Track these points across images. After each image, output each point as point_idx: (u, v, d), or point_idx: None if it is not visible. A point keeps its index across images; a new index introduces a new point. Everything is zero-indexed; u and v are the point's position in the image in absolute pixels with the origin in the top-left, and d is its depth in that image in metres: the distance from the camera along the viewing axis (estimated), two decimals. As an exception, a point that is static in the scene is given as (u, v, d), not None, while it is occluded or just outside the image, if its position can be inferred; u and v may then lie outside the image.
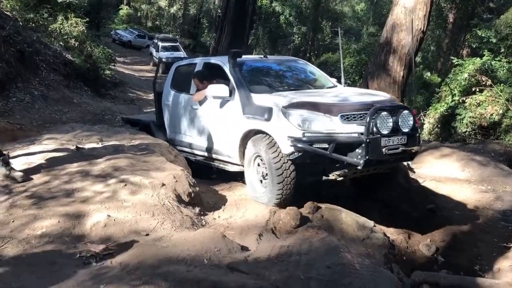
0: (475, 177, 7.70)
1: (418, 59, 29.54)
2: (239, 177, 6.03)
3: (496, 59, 14.88)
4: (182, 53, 28.32)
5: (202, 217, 4.42)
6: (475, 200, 6.68)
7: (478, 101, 12.29)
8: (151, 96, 19.53)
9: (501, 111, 11.86)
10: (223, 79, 5.96)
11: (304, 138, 4.65)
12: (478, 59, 14.05)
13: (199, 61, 6.90)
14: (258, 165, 5.23)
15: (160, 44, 28.95)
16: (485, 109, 12.03)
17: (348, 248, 4.00)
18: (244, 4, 11.46)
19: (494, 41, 17.76)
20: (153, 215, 3.80)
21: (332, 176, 5.05)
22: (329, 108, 4.83)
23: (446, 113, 13.18)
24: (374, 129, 4.69)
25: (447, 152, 8.87)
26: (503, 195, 6.81)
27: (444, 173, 7.97)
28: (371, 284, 3.42)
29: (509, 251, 5.09)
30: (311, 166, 4.96)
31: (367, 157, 4.63)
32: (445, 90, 13.91)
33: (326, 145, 4.64)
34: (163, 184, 4.30)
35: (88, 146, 5.35)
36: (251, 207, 4.90)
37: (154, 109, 15.57)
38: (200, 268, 3.02)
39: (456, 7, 25.67)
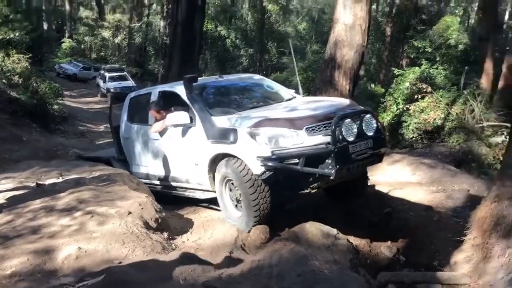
0: (426, 179, 8.13)
1: (361, 72, 30.73)
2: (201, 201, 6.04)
3: (433, 67, 15.85)
4: (130, 82, 28.06)
5: (171, 241, 4.48)
6: (427, 201, 7.06)
7: (421, 108, 13.01)
8: (101, 128, 19.34)
9: (442, 115, 12.60)
10: (181, 105, 5.85)
11: (274, 156, 4.59)
12: (417, 68, 14.92)
13: (153, 91, 6.70)
14: (230, 189, 5.15)
15: (107, 74, 28.56)
16: (428, 114, 12.75)
17: (315, 256, 4.16)
18: (192, 30, 11.62)
19: (430, 50, 18.85)
20: (123, 243, 3.83)
21: (307, 190, 5.10)
22: (293, 123, 4.79)
23: (392, 121, 13.84)
24: (340, 137, 4.70)
25: (398, 158, 9.30)
26: (452, 194, 7.24)
27: (396, 178, 8.36)
28: (339, 284, 3.60)
29: (462, 244, 5.41)
30: (285, 182, 4.91)
31: (337, 166, 4.61)
32: (389, 100, 14.60)
33: (296, 160, 4.59)
34: (130, 212, 4.34)
35: (48, 181, 5.30)
36: (218, 227, 5.00)
37: (105, 141, 15.31)
38: (176, 289, 3.09)
39: (392, 21, 26.96)
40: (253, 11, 30.20)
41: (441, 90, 13.50)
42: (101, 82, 29.42)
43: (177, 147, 5.86)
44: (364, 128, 4.99)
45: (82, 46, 44.10)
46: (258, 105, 5.97)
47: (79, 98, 28.79)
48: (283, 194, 5.10)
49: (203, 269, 3.50)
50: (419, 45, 18.82)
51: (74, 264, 3.47)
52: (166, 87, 6.74)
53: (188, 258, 3.66)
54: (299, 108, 5.40)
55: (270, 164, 4.59)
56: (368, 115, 5.14)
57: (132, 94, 7.40)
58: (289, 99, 6.33)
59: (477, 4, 25.02)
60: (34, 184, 5.15)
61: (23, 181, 5.30)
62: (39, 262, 3.49)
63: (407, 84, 13.90)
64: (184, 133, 5.67)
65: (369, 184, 7.61)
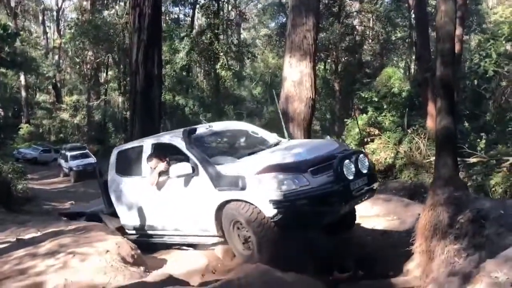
0: (383, 212, 8.83)
1: (317, 127, 32.16)
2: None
3: (381, 115, 17.11)
4: (92, 159, 28.25)
5: (148, 274, 4.86)
6: (384, 227, 7.75)
7: (372, 149, 14.03)
8: (67, 205, 19.36)
9: (392, 155, 13.62)
10: (179, 156, 6.03)
11: (286, 199, 4.90)
12: (365, 115, 16.13)
13: (145, 143, 6.74)
14: (238, 229, 5.34)
15: (69, 154, 28.62)
16: (379, 155, 13.76)
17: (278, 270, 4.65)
18: (150, 99, 12.24)
19: (377, 99, 20.22)
20: (104, 273, 4.24)
21: (316, 227, 5.54)
22: (298, 167, 5.15)
23: (348, 165, 14.72)
24: (343, 176, 5.19)
25: (356, 196, 9.96)
26: (406, 219, 7.95)
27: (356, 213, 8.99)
28: (300, 288, 4.12)
29: (413, 255, 6.00)
30: (295, 223, 5.11)
31: (343, 203, 5.18)
32: (343, 146, 15.58)
33: (306, 201, 4.94)
34: (108, 251, 4.75)
35: (27, 236, 5.63)
36: (190, 260, 5.43)
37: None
38: (157, 299, 3.53)
39: (339, 77, 28.86)
40: (208, 79, 31.59)
41: (388, 132, 14.63)
42: (63, 162, 29.41)
43: (178, 196, 5.97)
44: (359, 167, 5.52)
45: (41, 130, 44.11)
46: (253, 151, 6.23)
47: (42, 180, 28.61)
48: (300, 231, 5.38)
49: (180, 284, 3.94)
50: (366, 96, 20.15)
51: (63, 292, 3.85)
52: (160, 140, 6.78)
53: (166, 278, 4.08)
54: (299, 152, 5.73)
55: (282, 206, 4.92)
56: (361, 155, 5.75)
57: (120, 148, 7.46)
58: (277, 143, 6.68)
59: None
60: (15, 239, 5.47)
61: (3, 238, 5.62)
62: (30, 294, 3.86)
63: (357, 129, 14.97)
64: (186, 182, 5.81)
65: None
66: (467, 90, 17.94)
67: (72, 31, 32.02)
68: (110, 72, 38.22)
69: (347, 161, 5.37)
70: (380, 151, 13.76)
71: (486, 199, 6.09)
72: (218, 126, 7.37)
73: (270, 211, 4.99)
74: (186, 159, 5.86)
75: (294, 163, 5.29)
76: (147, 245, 6.48)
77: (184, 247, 6.21)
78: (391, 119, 17.03)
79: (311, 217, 5.11)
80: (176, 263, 5.47)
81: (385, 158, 13.52)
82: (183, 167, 5.73)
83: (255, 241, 5.14)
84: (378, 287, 5.48)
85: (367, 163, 5.72)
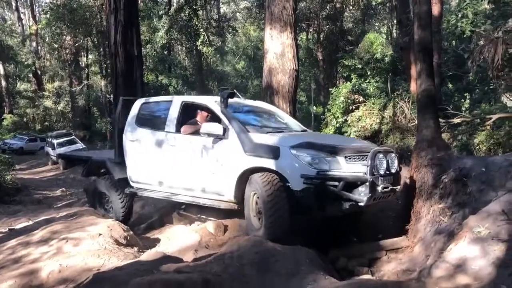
0: (371, 178, 8.93)
1: (303, 98, 32.18)
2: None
3: (365, 81, 17.09)
4: (80, 145, 28.13)
5: (142, 253, 4.94)
6: (373, 192, 7.82)
7: (358, 117, 14.07)
8: (58, 193, 19.35)
9: (378, 120, 13.68)
10: (213, 119, 6.01)
11: (318, 176, 4.91)
12: (349, 83, 16.11)
13: (176, 100, 6.56)
14: (256, 203, 5.26)
15: (55, 141, 28.43)
16: (365, 121, 13.81)
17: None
18: (132, 80, 12.12)
19: (360, 66, 20.20)
20: (98, 256, 4.30)
21: (331, 213, 5.33)
22: (334, 150, 5.13)
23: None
24: (374, 169, 5.11)
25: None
26: (393, 183, 8.02)
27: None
28: (291, 256, 4.23)
29: (399, 218, 6.16)
30: (316, 203, 5.07)
31: (369, 194, 5.00)
32: (329, 115, 15.63)
33: (336, 183, 4.92)
34: (100, 234, 4.80)
35: (19, 226, 5.66)
36: (182, 237, 5.51)
37: (64, 203, 15.38)
38: (151, 276, 3.60)
39: (322, 46, 28.71)
40: (190, 56, 31.24)
41: (372, 98, 14.68)
42: (50, 150, 29.13)
43: (200, 157, 5.87)
44: (390, 165, 5.45)
45: (25, 119, 43.52)
46: (283, 131, 6.24)
47: (30, 169, 28.42)
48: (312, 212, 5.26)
49: (173, 261, 4.01)
50: (349, 63, 20.09)
51: (58, 276, 3.91)
52: (191, 99, 6.96)
53: (160, 257, 4.16)
54: (333, 138, 5.82)
55: (312, 182, 4.91)
56: (393, 154, 5.66)
57: (144, 100, 7.20)
58: (303, 130, 6.73)
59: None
60: (7, 229, 5.50)
61: (-5, 229, 5.66)
62: (26, 281, 3.90)
63: (342, 98, 14.99)
64: (213, 144, 5.74)
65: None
66: (449, 51, 18.00)
67: (48, 16, 31.22)
68: (90, 56, 37.57)
69: (381, 155, 5.34)
70: (366, 118, 13.82)
71: (468, 158, 6.24)
72: (249, 102, 7.43)
73: (298, 185, 4.99)
74: (218, 121, 5.81)
75: (330, 146, 5.26)
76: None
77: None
78: (375, 85, 17.03)
79: (336, 200, 5.09)
80: (169, 241, 5.55)
81: (371, 125, 13.57)
82: (215, 127, 5.66)
83: (264, 216, 5.04)
84: (368, 250, 5.64)
85: (396, 164, 5.64)
